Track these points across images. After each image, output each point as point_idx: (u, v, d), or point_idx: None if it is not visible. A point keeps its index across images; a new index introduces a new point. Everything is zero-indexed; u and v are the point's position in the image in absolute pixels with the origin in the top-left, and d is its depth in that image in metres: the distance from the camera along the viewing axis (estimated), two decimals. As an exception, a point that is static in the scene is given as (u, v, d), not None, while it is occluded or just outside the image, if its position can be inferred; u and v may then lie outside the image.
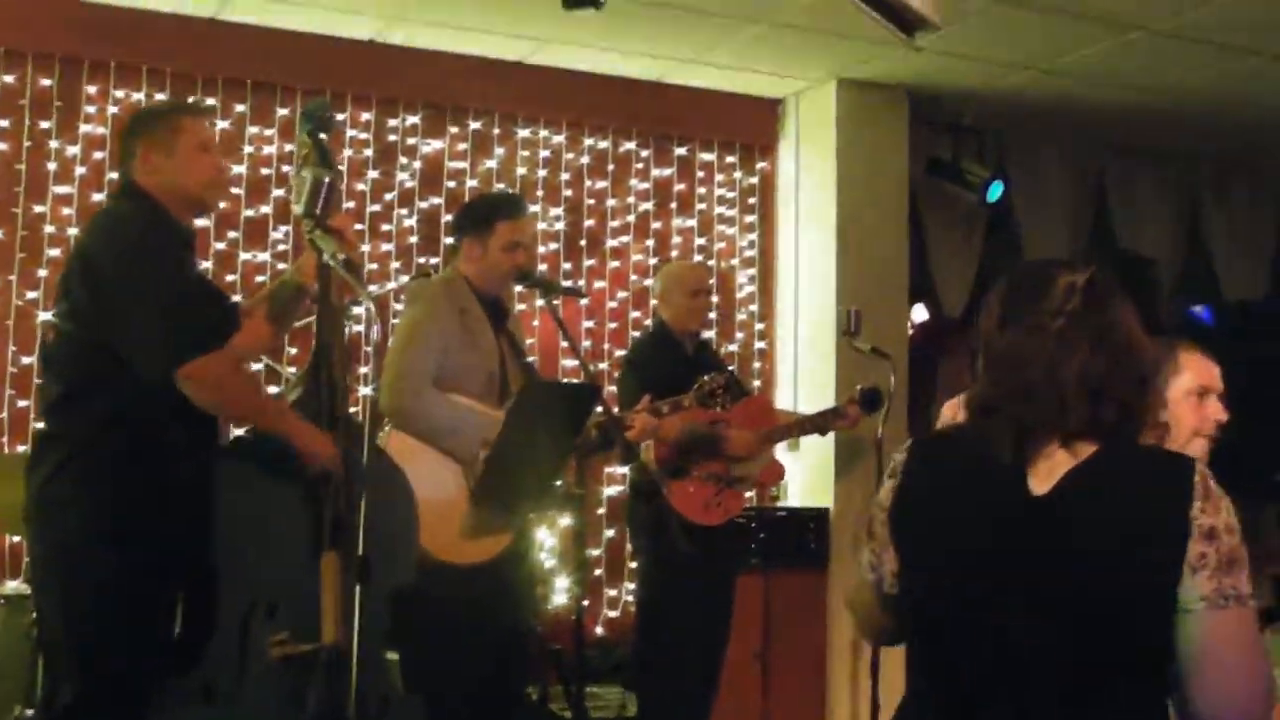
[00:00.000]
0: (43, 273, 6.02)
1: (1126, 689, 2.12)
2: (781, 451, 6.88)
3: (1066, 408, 2.18)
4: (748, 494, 6.11)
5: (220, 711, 3.52)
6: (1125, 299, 2.28)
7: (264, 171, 6.51)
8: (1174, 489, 2.11)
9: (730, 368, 6.48)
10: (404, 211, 6.81)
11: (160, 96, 6.29)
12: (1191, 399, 2.50)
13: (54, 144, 6.11)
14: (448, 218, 6.69)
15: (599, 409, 4.60)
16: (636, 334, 7.22)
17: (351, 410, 5.55)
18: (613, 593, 7.03)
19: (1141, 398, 2.24)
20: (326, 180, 3.89)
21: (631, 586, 6.91)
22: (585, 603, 6.34)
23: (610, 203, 7.32)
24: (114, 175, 4.00)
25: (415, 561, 4.12)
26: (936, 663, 2.28)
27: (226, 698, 3.52)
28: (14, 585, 5.36)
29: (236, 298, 5.34)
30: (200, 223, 6.25)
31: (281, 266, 6.49)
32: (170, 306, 3.53)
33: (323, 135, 3.95)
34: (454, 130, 6.95)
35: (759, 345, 7.65)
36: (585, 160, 7.27)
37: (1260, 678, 2.11)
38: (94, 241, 3.67)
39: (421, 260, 6.77)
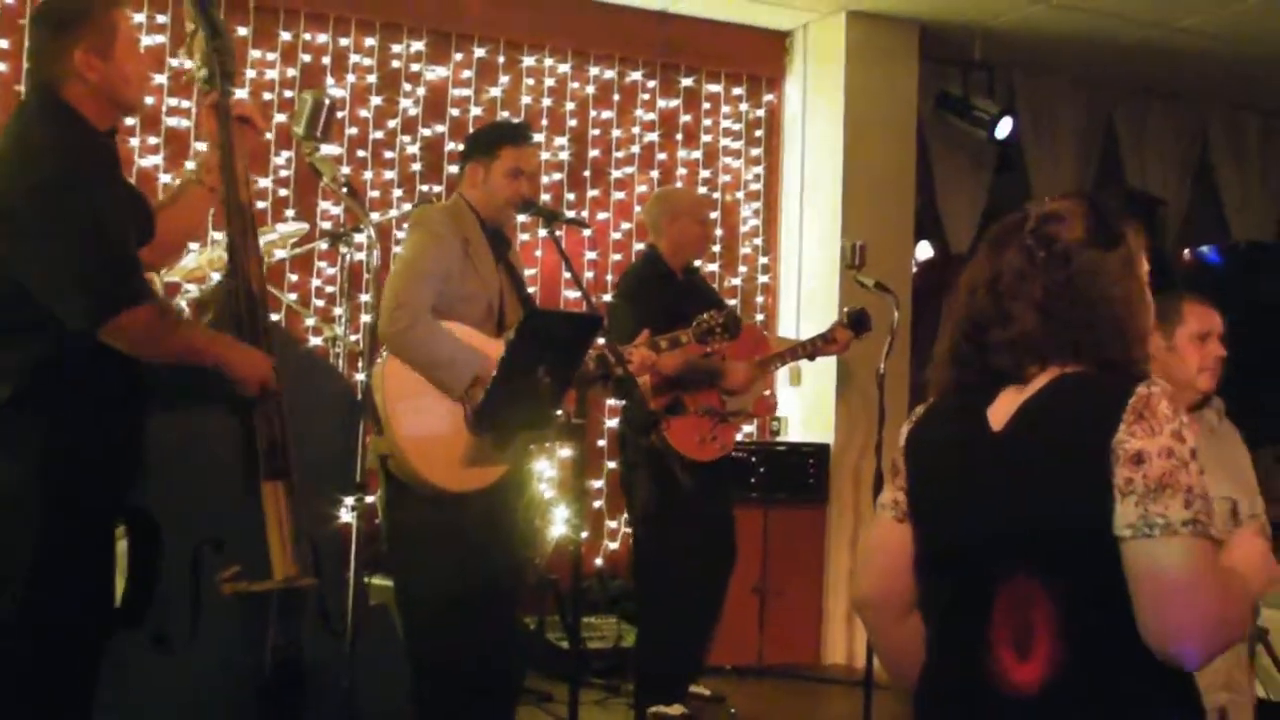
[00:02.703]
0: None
1: (1101, 622, 2.08)
2: (783, 386, 6.87)
3: (1017, 341, 2.22)
4: (743, 428, 6.06)
5: (176, 659, 3.38)
6: (1087, 232, 2.25)
7: (266, 96, 6.45)
8: (1104, 413, 2.08)
9: (732, 302, 6.43)
10: (407, 139, 6.76)
11: (161, 19, 6.22)
12: (1195, 343, 2.52)
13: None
14: (451, 146, 6.65)
15: (600, 340, 4.58)
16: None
17: (353, 338, 5.57)
18: (612, 525, 7.04)
19: (1094, 330, 2.20)
20: (326, 101, 3.87)
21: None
22: (584, 534, 6.37)
23: (615, 133, 7.26)
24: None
25: (355, 472, 4.00)
26: (931, 596, 2.31)
27: (182, 644, 3.38)
28: None
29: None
30: (201, 148, 6.23)
31: (283, 193, 6.46)
32: (93, 259, 3.24)
33: (208, 6, 3.65)
34: (458, 57, 6.89)
35: (762, 279, 7.61)
36: (590, 90, 7.21)
37: (1205, 615, 2.01)
38: (10, 175, 3.32)
39: (424, 189, 6.73)
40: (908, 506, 2.34)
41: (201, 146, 4.51)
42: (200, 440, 3.52)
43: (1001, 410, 2.21)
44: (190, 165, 6.10)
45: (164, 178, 6.14)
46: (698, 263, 6.22)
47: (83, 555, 3.33)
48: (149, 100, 6.11)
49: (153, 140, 6.23)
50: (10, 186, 3.28)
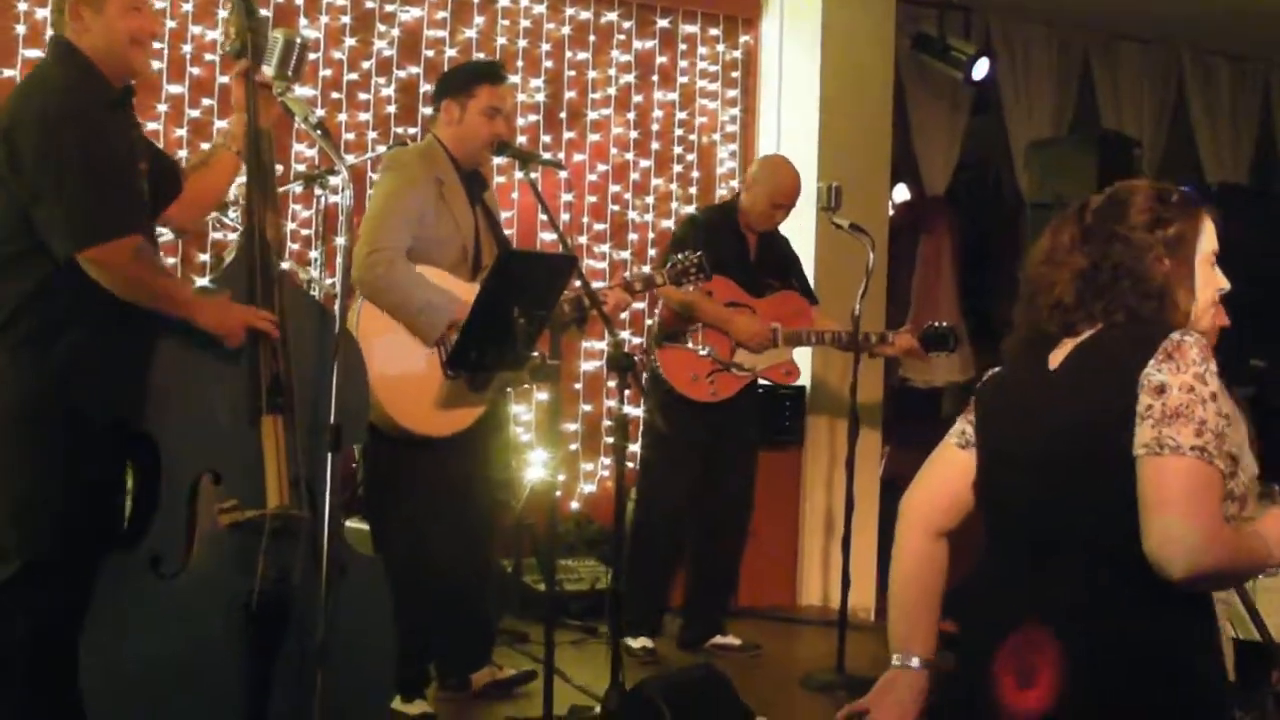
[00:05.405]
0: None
1: (1125, 537, 2.32)
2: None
3: (1059, 303, 2.54)
4: (751, 383, 6.05)
5: (169, 582, 3.52)
6: (1135, 212, 2.53)
7: (238, 37, 6.37)
8: (1139, 353, 2.38)
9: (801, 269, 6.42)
10: (381, 80, 6.70)
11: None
12: (1207, 264, 2.60)
13: (22, 6, 5.98)
14: (426, 87, 6.59)
15: (577, 283, 4.57)
16: (616, 209, 7.18)
17: (329, 281, 5.55)
18: (588, 467, 7.04)
19: (1128, 299, 2.49)
20: (298, 41, 3.86)
21: (607, 461, 6.94)
22: (560, 477, 6.40)
23: (591, 74, 7.21)
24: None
25: (367, 423, 4.12)
26: (993, 513, 2.63)
27: (175, 567, 3.53)
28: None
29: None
30: (174, 90, 6.20)
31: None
32: (78, 188, 3.46)
33: None
34: (433, -2, 6.83)
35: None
36: (566, 31, 7.15)
37: (1196, 528, 2.27)
38: (17, 108, 3.59)
39: (399, 130, 6.68)
40: (975, 436, 2.66)
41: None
42: (204, 373, 3.65)
43: (1059, 355, 2.54)
44: (195, 114, 6.22)
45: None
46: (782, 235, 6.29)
47: (85, 469, 3.51)
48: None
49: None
50: (19, 116, 3.54)
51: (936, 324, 6.24)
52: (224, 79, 6.31)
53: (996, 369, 2.74)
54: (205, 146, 6.06)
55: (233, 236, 5.65)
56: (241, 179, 4.09)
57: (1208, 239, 2.60)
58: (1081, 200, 2.63)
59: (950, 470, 2.69)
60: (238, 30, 3.93)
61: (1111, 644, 2.36)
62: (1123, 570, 2.35)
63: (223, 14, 6.29)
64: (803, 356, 7.07)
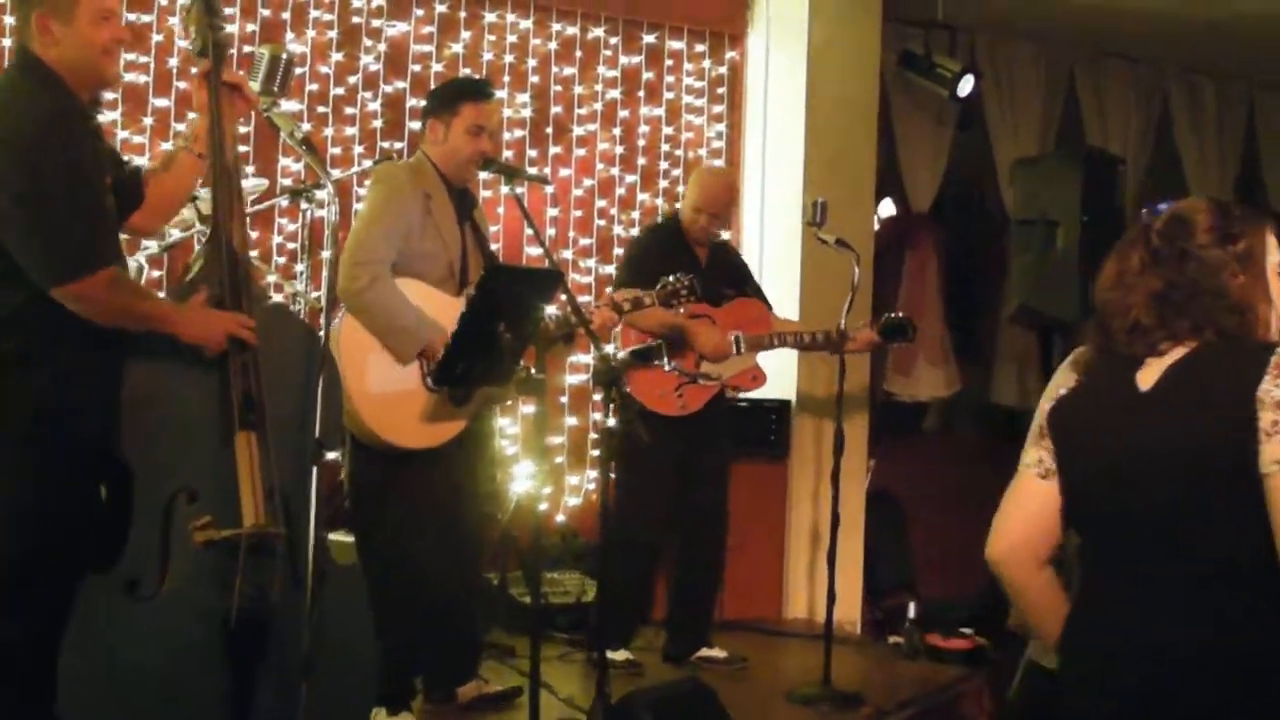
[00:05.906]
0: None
1: (1240, 553, 2.37)
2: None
3: (1137, 325, 2.56)
4: (719, 393, 6.06)
5: (147, 603, 3.48)
6: (1201, 230, 2.56)
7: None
8: (1250, 370, 2.39)
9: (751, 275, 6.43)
10: (368, 95, 6.71)
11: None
12: (1275, 276, 2.67)
13: (9, 19, 5.98)
14: (412, 102, 6.61)
15: (562, 297, 4.59)
16: (602, 223, 7.20)
17: (314, 294, 5.55)
18: (574, 480, 7.05)
19: (1212, 315, 2.51)
20: (284, 56, 3.87)
21: (593, 474, 6.94)
22: (546, 490, 6.40)
23: (577, 90, 7.23)
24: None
25: (343, 429, 4.10)
26: (1090, 538, 2.64)
27: (152, 590, 3.48)
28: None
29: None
30: (160, 103, 6.20)
31: (242, 149, 6.41)
32: (53, 222, 3.38)
33: None
34: (419, 13, 6.84)
35: (724, 235, 7.59)
36: (553, 46, 7.17)
37: None
38: None
39: (385, 145, 6.69)
40: (1055, 465, 2.66)
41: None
42: (177, 392, 3.61)
43: (1148, 375, 2.54)
44: (181, 128, 6.09)
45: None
46: (726, 235, 6.29)
47: (63, 490, 3.46)
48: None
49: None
50: None
51: (893, 314, 6.25)
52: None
53: (1062, 394, 2.73)
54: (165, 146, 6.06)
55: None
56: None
57: (1273, 251, 2.64)
58: (1143, 222, 2.67)
59: (1036, 504, 2.69)
60: (198, 29, 3.81)
61: (1232, 659, 2.38)
62: (1240, 585, 2.38)
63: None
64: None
